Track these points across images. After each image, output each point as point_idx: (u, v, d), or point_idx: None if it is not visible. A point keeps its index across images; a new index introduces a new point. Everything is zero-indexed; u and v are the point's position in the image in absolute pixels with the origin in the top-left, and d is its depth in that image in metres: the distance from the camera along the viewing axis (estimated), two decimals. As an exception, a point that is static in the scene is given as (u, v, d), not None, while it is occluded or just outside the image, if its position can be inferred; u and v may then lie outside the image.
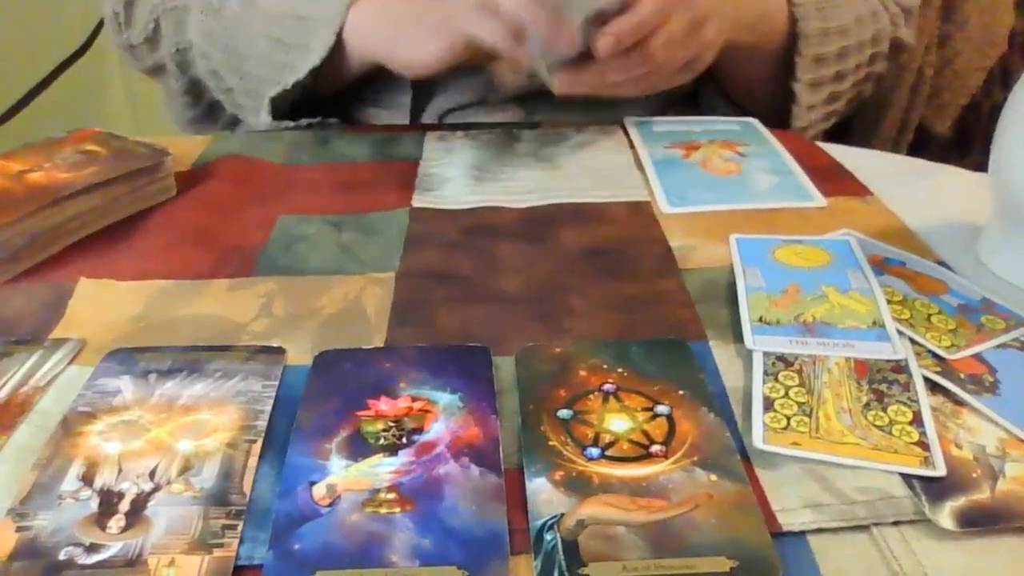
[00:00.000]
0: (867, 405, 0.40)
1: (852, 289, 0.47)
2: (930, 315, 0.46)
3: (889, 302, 0.46)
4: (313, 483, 0.36)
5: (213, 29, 0.73)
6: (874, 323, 0.45)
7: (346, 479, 0.36)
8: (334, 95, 0.75)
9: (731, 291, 0.49)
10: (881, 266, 0.50)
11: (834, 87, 0.76)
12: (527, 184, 0.62)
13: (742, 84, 0.78)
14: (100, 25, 1.45)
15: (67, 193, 0.54)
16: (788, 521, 0.34)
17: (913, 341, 0.44)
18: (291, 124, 0.72)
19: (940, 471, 0.36)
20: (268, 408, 0.41)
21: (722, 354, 0.44)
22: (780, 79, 0.74)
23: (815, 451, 0.37)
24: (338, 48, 0.68)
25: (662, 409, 0.40)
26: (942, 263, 0.52)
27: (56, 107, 1.52)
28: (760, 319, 0.45)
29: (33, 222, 0.52)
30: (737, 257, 0.51)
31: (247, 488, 0.36)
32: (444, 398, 0.41)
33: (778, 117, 0.74)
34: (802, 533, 0.34)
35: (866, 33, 0.76)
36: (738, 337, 0.45)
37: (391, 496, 0.35)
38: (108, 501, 0.35)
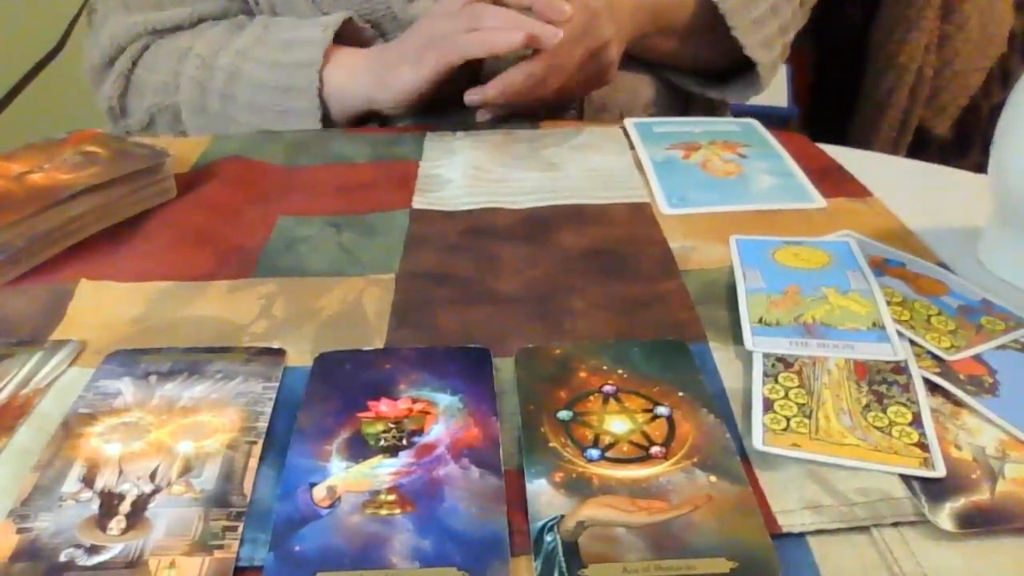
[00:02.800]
0: (867, 406, 0.40)
1: (852, 290, 0.47)
2: (930, 316, 0.46)
3: (889, 303, 0.46)
4: (313, 484, 0.36)
5: (204, 126, 0.76)
6: (874, 324, 0.45)
7: (346, 480, 0.36)
8: None
9: (731, 292, 0.49)
10: (881, 267, 0.50)
11: (782, 38, 0.80)
12: (527, 185, 0.63)
13: (674, 59, 0.82)
14: (74, 21, 1.44)
15: (67, 195, 0.54)
16: (788, 522, 0.34)
17: (913, 342, 0.44)
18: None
19: (940, 472, 0.36)
20: (268, 410, 0.41)
21: (722, 355, 0.44)
22: (711, 31, 0.78)
23: (815, 452, 0.37)
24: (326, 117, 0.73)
25: (662, 410, 0.40)
26: (942, 264, 0.52)
27: (55, 108, 1.52)
28: (760, 320, 0.45)
29: (33, 223, 0.52)
30: (737, 258, 0.51)
31: (247, 490, 0.36)
32: (444, 399, 0.41)
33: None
34: (802, 534, 0.34)
35: None
36: (738, 338, 0.45)
37: (391, 497, 0.35)
38: (109, 503, 0.35)
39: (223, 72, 0.73)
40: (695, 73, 0.83)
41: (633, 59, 0.78)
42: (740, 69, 0.80)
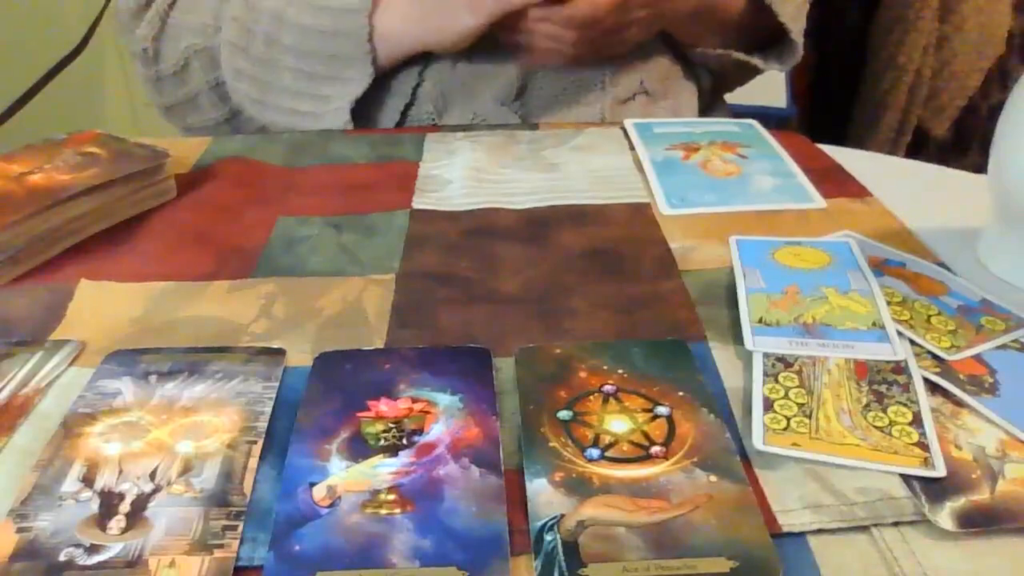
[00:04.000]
0: (867, 406, 0.40)
1: (852, 290, 0.47)
2: (930, 316, 0.46)
3: (889, 303, 0.46)
4: (313, 484, 0.36)
5: (241, 67, 0.75)
6: (874, 324, 0.45)
7: (346, 480, 0.36)
8: None
9: (730, 292, 0.49)
10: (881, 267, 0.50)
11: (806, 6, 0.81)
12: (527, 185, 0.63)
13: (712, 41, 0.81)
14: (95, 24, 1.45)
15: (67, 195, 0.54)
16: (788, 522, 0.34)
17: (913, 342, 0.44)
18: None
19: (940, 472, 0.36)
20: (268, 409, 0.41)
21: (721, 355, 0.44)
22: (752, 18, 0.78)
23: (815, 452, 0.37)
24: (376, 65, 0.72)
25: (662, 410, 0.40)
26: (941, 264, 0.52)
27: (54, 108, 1.52)
28: (760, 320, 0.45)
29: (33, 224, 0.52)
30: (737, 258, 0.51)
31: (247, 489, 0.36)
32: (444, 399, 0.41)
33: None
34: (802, 534, 0.34)
35: None
36: (738, 338, 0.45)
37: (391, 497, 0.35)
38: (108, 502, 0.35)
39: (268, 15, 0.72)
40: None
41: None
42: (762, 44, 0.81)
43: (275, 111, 0.75)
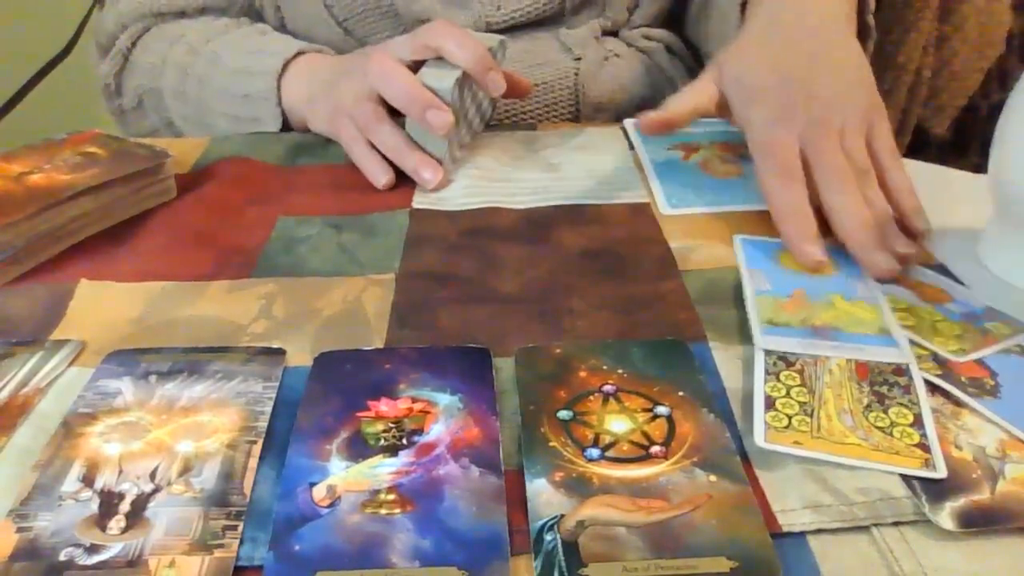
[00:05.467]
0: (868, 406, 0.40)
1: (858, 297, 0.47)
2: (935, 322, 0.46)
3: (894, 310, 0.46)
4: (313, 484, 0.36)
5: (186, 114, 0.77)
6: (881, 330, 0.45)
7: (346, 480, 0.36)
8: None
9: (731, 292, 0.49)
10: None
11: None
12: (527, 185, 0.63)
13: None
14: (83, 25, 1.45)
15: (67, 195, 0.54)
16: (788, 522, 0.34)
17: (918, 344, 0.44)
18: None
19: (941, 473, 0.36)
20: (268, 409, 0.41)
21: (721, 355, 0.44)
22: None
23: (816, 451, 0.37)
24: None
25: (662, 410, 0.40)
26: (941, 267, 0.52)
27: (54, 108, 1.52)
28: (769, 321, 0.45)
29: (33, 224, 0.52)
30: (742, 258, 0.51)
31: (247, 489, 0.36)
32: (444, 399, 0.41)
33: None
34: (802, 534, 0.34)
35: None
36: (738, 338, 0.45)
37: (391, 497, 0.35)
38: (108, 502, 0.35)
39: (204, 58, 0.74)
40: None
41: (629, 56, 0.78)
42: None
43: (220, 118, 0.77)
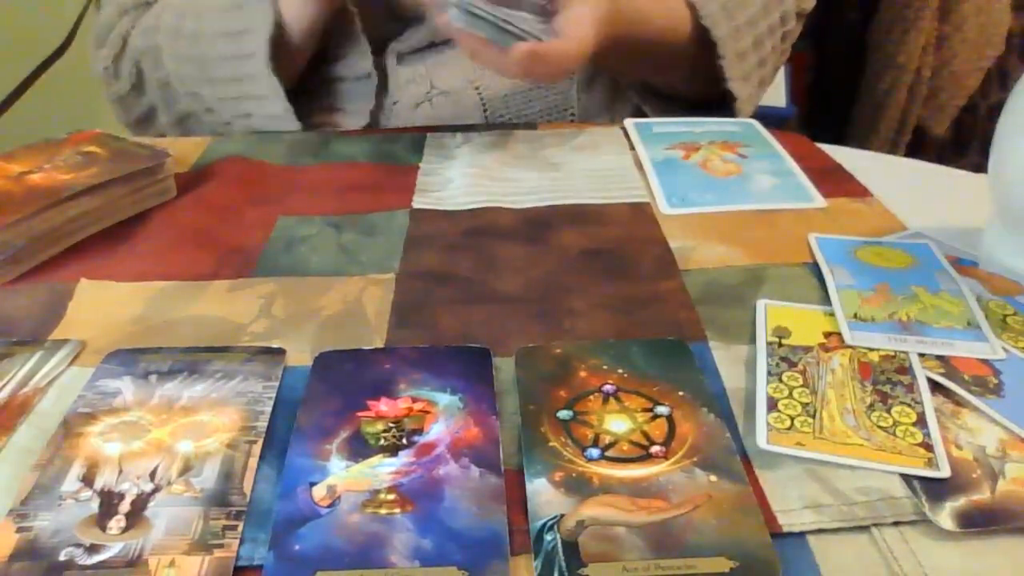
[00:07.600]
0: (871, 406, 0.40)
1: (942, 290, 0.47)
2: (1005, 316, 0.46)
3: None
4: (313, 484, 0.36)
5: (179, 49, 0.76)
6: (968, 324, 0.45)
7: (346, 480, 0.36)
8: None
9: (731, 292, 0.49)
10: (954, 267, 0.50)
11: (760, 72, 0.78)
12: (527, 185, 0.63)
13: (659, 77, 0.80)
14: (79, 23, 1.45)
15: (67, 195, 0.54)
16: (788, 522, 0.34)
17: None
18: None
19: (944, 472, 0.36)
20: (268, 409, 0.41)
21: (721, 355, 0.44)
22: (700, 67, 0.75)
23: (819, 451, 0.37)
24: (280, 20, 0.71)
25: (662, 410, 0.40)
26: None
27: (53, 107, 1.52)
28: (855, 316, 0.45)
29: (33, 223, 0.52)
30: (820, 255, 0.51)
31: (247, 489, 0.36)
32: (444, 399, 0.41)
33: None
34: (802, 534, 0.34)
35: (774, 16, 0.77)
36: (738, 338, 0.45)
37: (391, 497, 0.35)
38: (108, 502, 0.35)
39: (191, 19, 0.74)
40: (669, 99, 0.81)
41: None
42: (712, 100, 0.78)
43: (214, 84, 0.76)
